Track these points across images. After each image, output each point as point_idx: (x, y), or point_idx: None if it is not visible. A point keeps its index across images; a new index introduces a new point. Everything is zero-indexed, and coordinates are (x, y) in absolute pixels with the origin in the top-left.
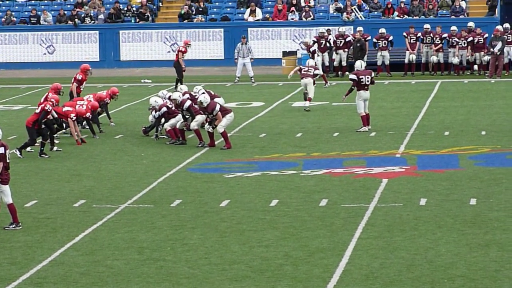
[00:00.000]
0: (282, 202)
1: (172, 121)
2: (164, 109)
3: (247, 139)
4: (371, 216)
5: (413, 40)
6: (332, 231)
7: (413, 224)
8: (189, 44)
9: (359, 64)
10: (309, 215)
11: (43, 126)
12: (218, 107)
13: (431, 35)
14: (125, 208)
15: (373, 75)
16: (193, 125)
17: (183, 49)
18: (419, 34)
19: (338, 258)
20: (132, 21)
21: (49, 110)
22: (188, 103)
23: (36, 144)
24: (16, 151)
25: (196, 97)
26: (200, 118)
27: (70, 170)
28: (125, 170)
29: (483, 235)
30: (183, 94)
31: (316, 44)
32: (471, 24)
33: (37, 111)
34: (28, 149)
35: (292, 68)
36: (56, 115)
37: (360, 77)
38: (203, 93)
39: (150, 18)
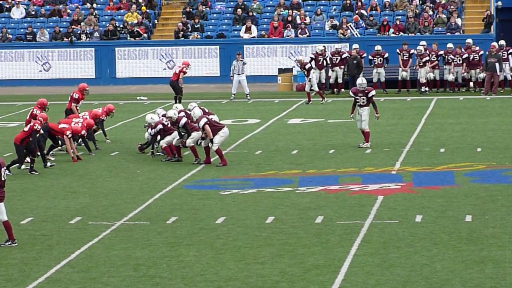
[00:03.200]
0: (277, 219)
1: (167, 138)
2: (160, 126)
3: (242, 156)
4: (367, 233)
5: (406, 57)
6: (328, 248)
7: (408, 241)
8: (189, 65)
9: (360, 81)
10: (304, 232)
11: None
12: (203, 121)
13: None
14: (121, 225)
15: (371, 94)
16: (189, 142)
17: (185, 70)
18: (413, 51)
19: (334, 275)
20: (128, 38)
21: (38, 129)
22: (184, 120)
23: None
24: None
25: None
26: (196, 135)
27: (66, 187)
28: (121, 187)
29: (479, 251)
30: (179, 112)
31: (313, 61)
32: (469, 40)
33: (26, 129)
34: (23, 166)
35: (288, 86)
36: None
37: (356, 97)
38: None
39: (145, 36)
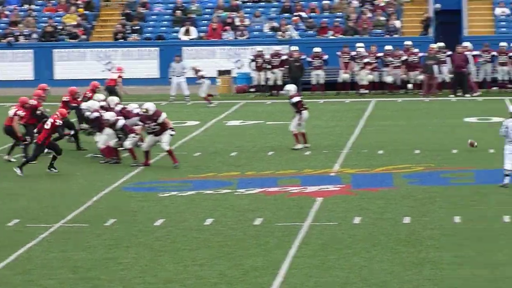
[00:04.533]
0: (216, 221)
1: (103, 137)
2: (96, 114)
3: (182, 158)
4: (306, 235)
5: (347, 59)
6: (267, 250)
7: (347, 243)
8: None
9: (286, 87)
10: (243, 234)
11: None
12: (164, 114)
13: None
14: (60, 227)
15: (294, 100)
16: (127, 143)
17: (122, 75)
18: (353, 53)
19: (273, 277)
20: (66, 39)
21: (59, 125)
22: (122, 122)
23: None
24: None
25: (130, 108)
26: (134, 137)
27: (4, 189)
28: (60, 189)
29: (417, 253)
30: (116, 105)
31: (253, 63)
32: (408, 43)
33: (47, 126)
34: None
35: (228, 87)
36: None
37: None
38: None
39: (84, 37)
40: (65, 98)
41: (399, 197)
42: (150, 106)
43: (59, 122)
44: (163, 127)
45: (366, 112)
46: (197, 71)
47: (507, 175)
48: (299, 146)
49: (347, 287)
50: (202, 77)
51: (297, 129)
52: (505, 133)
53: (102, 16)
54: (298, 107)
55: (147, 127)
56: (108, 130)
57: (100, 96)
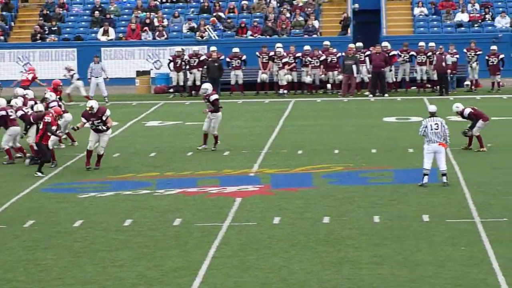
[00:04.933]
0: (135, 222)
1: (5, 137)
2: (3, 112)
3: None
4: (225, 235)
5: (266, 60)
6: (186, 250)
7: (266, 243)
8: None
9: (203, 86)
10: (163, 235)
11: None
12: (108, 111)
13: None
14: None
15: (212, 98)
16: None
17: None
18: (272, 53)
19: (192, 278)
20: None
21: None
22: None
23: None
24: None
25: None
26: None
27: None
28: None
29: (336, 253)
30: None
31: (172, 64)
32: (326, 43)
33: (41, 126)
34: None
35: (146, 88)
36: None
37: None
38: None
39: (1, 38)
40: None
41: (319, 197)
42: (94, 104)
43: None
44: (107, 124)
45: (285, 112)
46: (69, 70)
47: (426, 175)
48: (204, 146)
49: (267, 287)
50: (73, 77)
51: (210, 130)
52: (424, 133)
53: (20, 17)
54: (217, 104)
55: (91, 124)
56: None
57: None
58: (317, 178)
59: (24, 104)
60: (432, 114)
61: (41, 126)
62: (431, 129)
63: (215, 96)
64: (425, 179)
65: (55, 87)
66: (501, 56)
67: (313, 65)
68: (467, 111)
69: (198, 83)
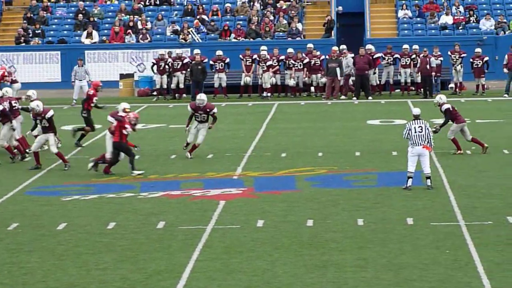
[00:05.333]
0: (119, 225)
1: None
2: None
3: (84, 161)
4: (209, 238)
5: (249, 62)
6: (170, 253)
7: (250, 246)
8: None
9: (199, 97)
10: (146, 238)
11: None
12: (52, 111)
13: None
14: None
15: (213, 112)
16: (35, 146)
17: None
18: (255, 56)
19: (176, 281)
20: None
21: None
22: (51, 112)
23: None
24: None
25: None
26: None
27: None
28: None
29: (320, 256)
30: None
31: (155, 66)
32: (310, 45)
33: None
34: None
35: (130, 91)
36: None
37: (196, 113)
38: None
39: None
40: (90, 92)
41: (302, 200)
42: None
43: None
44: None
45: (269, 115)
46: (9, 73)
47: (410, 178)
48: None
49: None
50: (15, 81)
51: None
52: (408, 136)
53: (4, 20)
54: (213, 116)
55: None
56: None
57: None
58: (301, 181)
59: None
60: (416, 117)
61: (112, 127)
62: (415, 132)
63: (216, 110)
64: (409, 182)
65: (95, 88)
66: (486, 58)
67: (296, 68)
68: (446, 106)
69: (181, 86)
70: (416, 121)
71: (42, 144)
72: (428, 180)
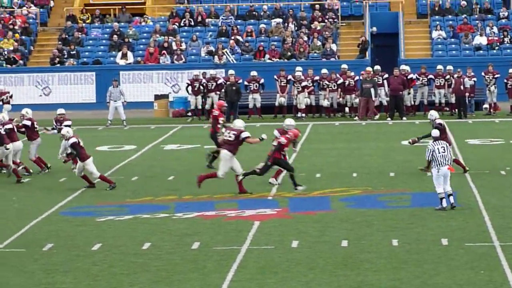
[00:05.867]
0: (154, 245)
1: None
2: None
3: (119, 182)
4: (243, 259)
5: (284, 83)
6: (204, 274)
7: (285, 266)
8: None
9: (288, 122)
10: (181, 258)
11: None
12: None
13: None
14: None
15: (242, 136)
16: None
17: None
18: (290, 77)
19: None
20: (4, 64)
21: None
22: (73, 140)
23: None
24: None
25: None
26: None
27: None
28: None
29: (355, 276)
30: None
31: (189, 87)
32: (344, 66)
33: (275, 143)
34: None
35: (165, 112)
36: None
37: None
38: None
39: (21, 62)
40: (215, 113)
41: (337, 220)
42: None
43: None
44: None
45: (303, 135)
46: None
47: (442, 198)
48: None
49: None
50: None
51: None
52: (431, 157)
53: (39, 41)
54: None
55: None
56: None
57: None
58: (335, 201)
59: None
60: (436, 139)
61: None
62: (439, 153)
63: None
64: (444, 202)
65: (220, 108)
66: None
67: (330, 88)
68: (438, 121)
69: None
70: (437, 142)
71: (82, 170)
72: (451, 197)
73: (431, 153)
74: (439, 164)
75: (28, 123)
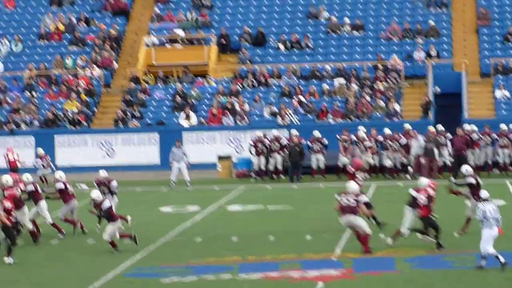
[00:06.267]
0: None
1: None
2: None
3: (182, 243)
4: None
5: (347, 143)
6: None
7: None
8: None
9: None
10: None
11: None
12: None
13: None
14: None
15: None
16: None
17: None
18: (353, 137)
19: None
20: (67, 126)
21: None
22: (108, 204)
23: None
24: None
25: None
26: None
27: (3, 276)
28: (60, 275)
29: None
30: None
31: (253, 148)
32: (408, 126)
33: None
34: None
35: (228, 172)
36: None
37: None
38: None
39: (84, 123)
40: (350, 171)
41: (401, 281)
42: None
43: None
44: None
45: (367, 196)
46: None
47: (497, 257)
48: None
49: None
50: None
51: None
52: (483, 217)
53: (102, 102)
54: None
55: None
56: None
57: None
58: (399, 262)
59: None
60: (486, 199)
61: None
62: (490, 213)
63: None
64: (501, 259)
65: (356, 168)
66: None
67: (393, 148)
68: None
69: (279, 167)
70: (486, 202)
71: (115, 231)
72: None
73: (483, 213)
74: (491, 225)
75: (62, 186)
